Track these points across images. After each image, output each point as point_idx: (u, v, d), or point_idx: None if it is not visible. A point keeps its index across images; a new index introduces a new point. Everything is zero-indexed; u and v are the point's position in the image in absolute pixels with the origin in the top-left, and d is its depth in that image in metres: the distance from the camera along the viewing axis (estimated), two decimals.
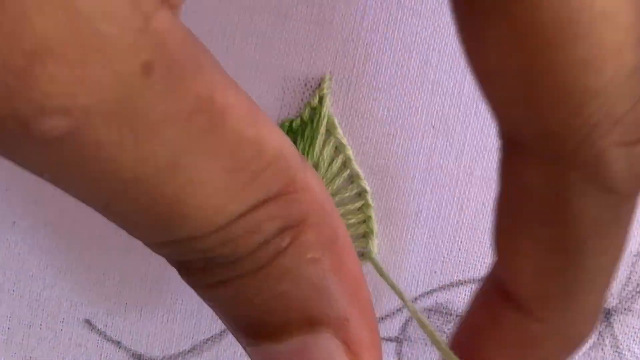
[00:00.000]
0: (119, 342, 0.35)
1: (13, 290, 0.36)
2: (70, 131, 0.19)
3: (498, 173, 0.25)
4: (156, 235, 0.23)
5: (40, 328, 0.35)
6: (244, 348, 0.27)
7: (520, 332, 0.26)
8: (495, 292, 0.27)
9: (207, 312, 0.35)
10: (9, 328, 0.36)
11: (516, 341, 0.27)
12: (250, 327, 0.26)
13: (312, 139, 0.34)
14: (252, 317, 0.26)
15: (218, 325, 0.35)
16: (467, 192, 0.34)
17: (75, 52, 0.18)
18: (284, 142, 0.24)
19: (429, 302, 0.34)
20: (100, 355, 0.35)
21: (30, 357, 0.35)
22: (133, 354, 0.35)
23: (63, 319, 0.35)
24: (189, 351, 0.35)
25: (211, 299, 0.26)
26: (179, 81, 0.20)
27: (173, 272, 0.35)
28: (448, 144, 0.34)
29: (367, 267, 0.34)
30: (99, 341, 0.35)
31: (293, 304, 0.25)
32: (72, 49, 0.18)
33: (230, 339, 0.34)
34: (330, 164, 0.34)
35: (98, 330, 0.35)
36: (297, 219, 0.24)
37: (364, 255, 0.34)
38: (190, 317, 0.35)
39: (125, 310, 0.35)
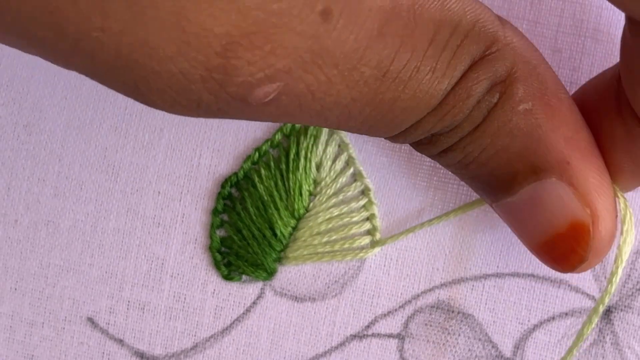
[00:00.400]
0: (121, 340, 0.35)
1: (15, 289, 0.36)
2: (282, 90, 0.23)
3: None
4: (387, 132, 0.26)
5: (43, 326, 0.35)
6: (492, 207, 0.29)
7: None
8: (628, 116, 0.27)
9: (209, 310, 0.35)
10: (11, 326, 0.36)
11: None
12: (487, 185, 0.28)
13: (316, 138, 0.34)
14: (484, 175, 0.28)
15: (220, 323, 0.35)
16: (468, 190, 0.34)
17: (258, 35, 0.21)
18: (478, 10, 0.26)
19: (430, 299, 0.34)
20: (103, 353, 0.35)
21: (33, 355, 0.35)
22: (135, 352, 0.35)
23: (65, 317, 0.35)
24: (190, 349, 0.35)
25: (445, 164, 0.29)
26: (357, 6, 0.23)
27: (173, 271, 0.35)
28: None
29: (369, 263, 0.34)
30: (102, 339, 0.35)
31: (514, 155, 0.27)
32: (254, 34, 0.21)
33: (232, 336, 0.35)
34: (333, 162, 0.34)
35: (100, 328, 0.35)
36: (503, 75, 0.26)
37: (379, 242, 0.34)
38: (192, 315, 0.35)
39: (127, 308, 0.35)
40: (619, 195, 0.29)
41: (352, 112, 0.25)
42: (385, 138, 0.27)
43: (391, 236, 0.34)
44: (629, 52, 0.26)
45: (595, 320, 0.30)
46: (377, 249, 0.34)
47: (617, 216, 0.29)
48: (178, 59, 0.21)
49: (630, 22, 0.26)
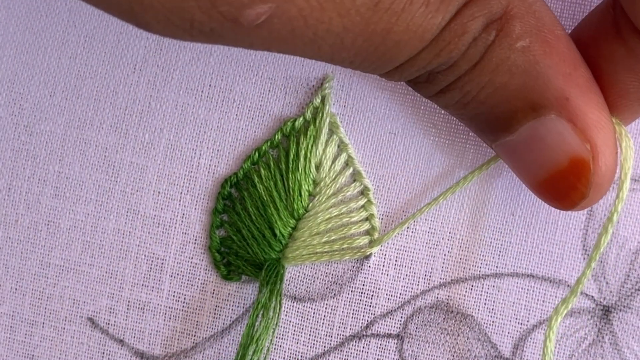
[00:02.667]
0: (121, 340, 0.35)
1: (16, 289, 0.36)
2: (273, 12, 0.23)
3: None
4: (382, 67, 0.26)
5: (43, 326, 0.35)
6: (492, 148, 0.29)
7: None
8: (628, 35, 0.27)
9: (208, 310, 0.35)
10: (11, 326, 0.36)
11: None
12: (486, 124, 0.28)
13: (315, 138, 0.34)
14: (483, 114, 0.28)
15: (219, 323, 0.35)
16: (467, 190, 0.34)
17: None
18: None
19: (429, 299, 0.34)
20: (103, 353, 0.35)
21: (33, 355, 0.35)
22: (135, 352, 0.35)
23: (65, 317, 0.35)
24: (190, 349, 0.35)
25: (444, 105, 0.28)
26: None
27: (173, 271, 0.35)
28: (449, 142, 0.34)
29: (369, 263, 0.34)
30: (102, 339, 0.35)
31: (513, 93, 0.27)
32: None
33: (231, 336, 0.35)
34: (333, 162, 0.34)
35: (100, 328, 0.35)
36: (499, 12, 0.26)
37: (376, 240, 0.34)
38: (192, 315, 0.35)
39: (127, 308, 0.35)
40: (616, 125, 0.29)
41: (345, 41, 0.25)
42: (380, 76, 0.27)
43: (390, 231, 0.34)
44: None
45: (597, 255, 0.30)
46: (375, 248, 0.34)
47: (617, 151, 0.28)
48: None
49: None
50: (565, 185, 0.28)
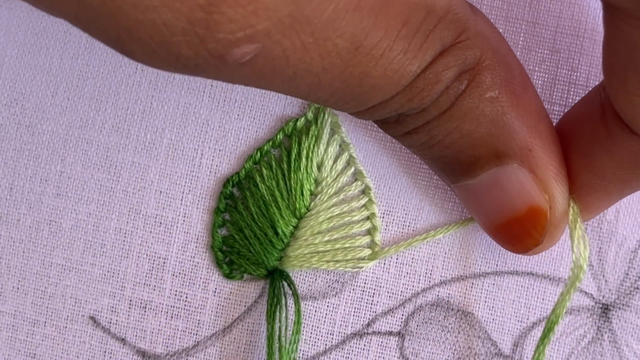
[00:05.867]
0: (123, 339, 0.35)
1: (17, 288, 0.36)
2: (259, 52, 0.23)
3: (604, 28, 0.27)
4: (355, 107, 0.27)
5: (45, 325, 0.35)
6: (450, 187, 0.30)
7: (634, 154, 0.28)
8: (610, 118, 0.28)
9: (210, 308, 0.35)
10: (13, 325, 0.36)
11: (630, 161, 0.28)
12: (448, 166, 0.29)
13: (317, 138, 0.34)
14: (447, 157, 0.28)
15: (221, 322, 0.35)
16: None
17: None
18: None
19: (430, 297, 0.34)
20: (105, 352, 0.35)
21: (35, 354, 0.35)
22: (137, 351, 0.35)
23: (67, 316, 0.35)
24: (192, 348, 0.35)
25: (408, 145, 0.29)
26: None
27: (175, 270, 0.35)
28: None
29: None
30: (103, 338, 0.35)
31: (479, 140, 0.28)
32: None
33: (233, 335, 0.35)
34: (334, 161, 0.34)
35: (102, 327, 0.35)
36: (472, 63, 0.27)
37: (376, 253, 0.34)
38: (194, 313, 0.35)
39: (129, 307, 0.35)
40: (572, 204, 0.30)
41: (323, 81, 0.25)
42: (350, 114, 0.28)
43: (387, 249, 0.34)
44: (608, 43, 0.27)
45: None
46: (371, 263, 0.34)
47: (569, 204, 0.30)
48: (162, 9, 0.22)
49: (606, 8, 0.26)
50: (521, 231, 0.29)
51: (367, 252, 0.34)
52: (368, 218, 0.34)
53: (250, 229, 0.34)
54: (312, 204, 0.34)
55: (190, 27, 0.22)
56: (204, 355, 0.35)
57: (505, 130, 0.28)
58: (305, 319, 0.34)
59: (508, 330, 0.34)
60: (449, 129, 0.28)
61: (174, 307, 0.35)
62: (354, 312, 0.34)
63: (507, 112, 0.27)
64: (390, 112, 0.27)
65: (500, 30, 0.34)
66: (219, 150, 0.35)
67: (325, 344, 0.34)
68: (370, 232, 0.34)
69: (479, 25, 0.27)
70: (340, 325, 0.34)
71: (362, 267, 0.34)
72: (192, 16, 0.22)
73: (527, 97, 0.28)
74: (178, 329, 0.35)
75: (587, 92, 0.32)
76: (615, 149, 0.28)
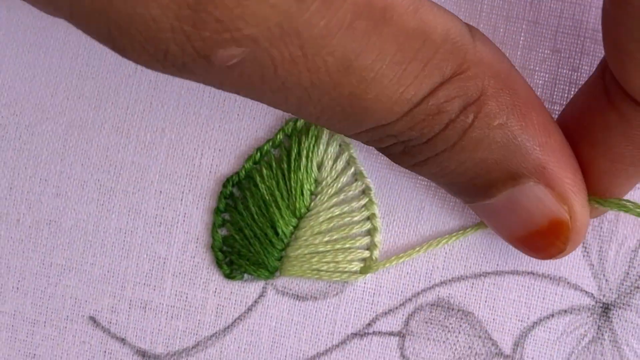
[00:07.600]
0: (123, 339, 0.35)
1: (17, 288, 0.36)
2: (245, 56, 0.23)
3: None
4: (350, 127, 0.26)
5: (45, 325, 0.35)
6: (467, 205, 0.30)
7: None
8: (620, 102, 0.28)
9: (210, 308, 0.35)
10: (13, 325, 0.36)
11: None
12: (463, 190, 0.29)
13: (317, 138, 0.34)
14: (461, 183, 0.28)
15: (222, 321, 0.35)
16: None
17: None
18: (450, 23, 0.26)
19: (431, 297, 0.34)
20: (105, 352, 0.35)
21: (35, 354, 0.35)
22: (137, 351, 0.35)
23: (67, 316, 0.35)
24: (192, 348, 0.35)
25: (422, 174, 0.29)
26: None
27: (175, 270, 0.35)
28: None
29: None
30: (103, 338, 0.35)
31: (492, 166, 0.28)
32: None
33: (233, 335, 0.35)
34: (334, 161, 0.34)
35: (102, 327, 0.35)
36: (475, 94, 0.26)
37: (370, 267, 0.34)
38: (194, 313, 0.35)
39: (129, 307, 0.35)
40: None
41: (312, 97, 0.25)
42: (349, 136, 0.27)
43: (386, 260, 0.34)
44: (610, 22, 0.27)
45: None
46: (367, 274, 0.34)
47: (588, 208, 0.30)
48: (151, 5, 0.22)
49: None
50: (544, 242, 0.30)
51: (360, 265, 0.34)
52: (368, 218, 0.34)
53: (251, 229, 0.34)
54: (312, 204, 0.34)
55: (178, 24, 0.22)
56: (204, 355, 0.35)
57: (518, 153, 0.28)
58: (306, 319, 0.34)
59: (508, 330, 0.34)
60: (460, 160, 0.27)
61: (174, 307, 0.35)
62: (355, 312, 0.34)
63: (518, 135, 0.27)
64: (391, 139, 0.27)
65: (501, 30, 0.34)
66: (219, 150, 0.35)
67: (326, 344, 0.34)
68: (370, 232, 0.34)
69: (479, 51, 0.26)
70: (341, 325, 0.34)
71: (358, 279, 0.34)
72: (180, 13, 0.22)
73: (534, 115, 0.28)
74: (178, 329, 0.35)
75: None
76: (632, 130, 0.28)
